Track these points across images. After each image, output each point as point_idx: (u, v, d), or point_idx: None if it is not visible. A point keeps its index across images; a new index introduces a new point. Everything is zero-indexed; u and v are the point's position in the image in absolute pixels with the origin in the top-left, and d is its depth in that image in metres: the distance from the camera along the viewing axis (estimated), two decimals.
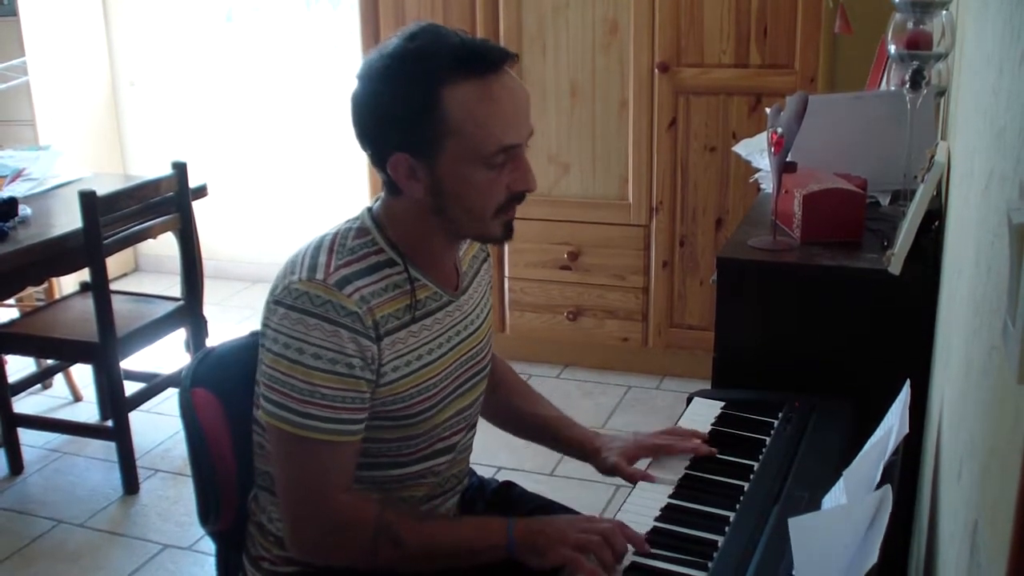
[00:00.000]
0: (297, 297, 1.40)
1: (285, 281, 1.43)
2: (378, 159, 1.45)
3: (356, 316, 1.40)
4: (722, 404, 1.81)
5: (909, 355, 1.83)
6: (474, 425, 1.69)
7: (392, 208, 1.50)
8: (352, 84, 1.46)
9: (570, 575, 1.36)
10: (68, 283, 4.08)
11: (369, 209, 1.54)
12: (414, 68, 1.38)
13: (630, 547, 1.38)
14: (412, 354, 1.48)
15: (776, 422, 1.71)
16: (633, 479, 1.60)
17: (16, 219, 3.07)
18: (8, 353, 3.38)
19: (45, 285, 3.95)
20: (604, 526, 1.38)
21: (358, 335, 1.40)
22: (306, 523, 1.45)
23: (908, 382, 1.34)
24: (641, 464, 1.65)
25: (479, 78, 1.38)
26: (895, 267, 1.77)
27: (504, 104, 1.40)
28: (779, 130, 1.87)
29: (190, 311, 3.41)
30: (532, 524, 1.45)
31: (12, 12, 4.70)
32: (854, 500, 1.18)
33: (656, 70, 3.60)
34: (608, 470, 1.67)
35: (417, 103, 1.38)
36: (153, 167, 4.66)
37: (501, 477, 1.87)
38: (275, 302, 1.43)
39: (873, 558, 0.99)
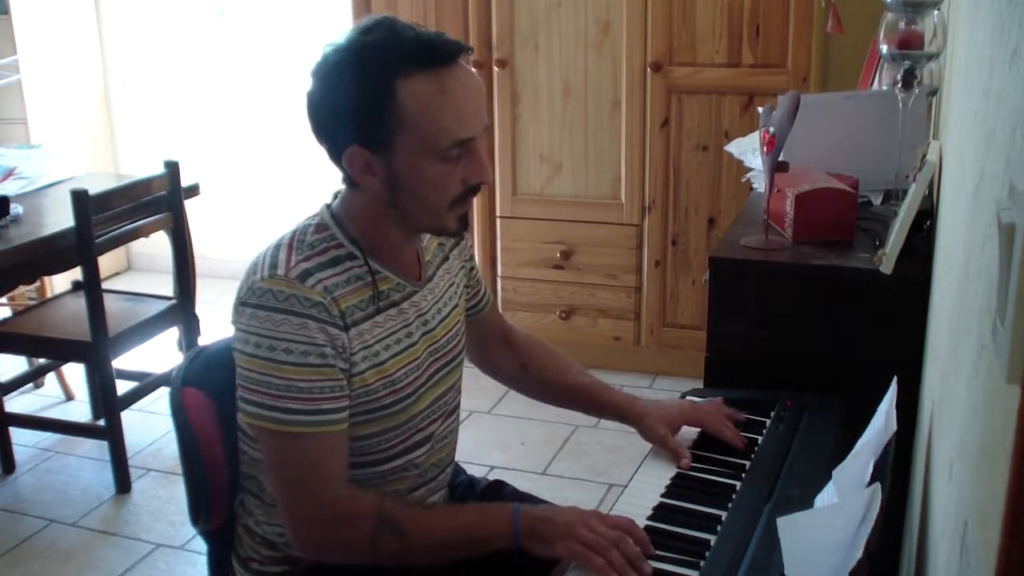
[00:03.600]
0: (261, 295, 1.41)
1: (248, 282, 1.44)
2: (334, 153, 1.46)
3: (322, 306, 1.41)
4: None
5: (901, 354, 1.84)
6: (452, 412, 1.69)
7: (350, 202, 1.51)
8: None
9: (575, 566, 1.36)
10: (60, 282, 4.06)
11: (328, 206, 1.54)
12: (369, 61, 1.39)
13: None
14: (379, 344, 1.49)
15: (768, 421, 1.72)
16: (678, 457, 1.62)
17: (8, 218, 3.06)
18: (0, 352, 3.38)
19: (37, 284, 3.94)
20: (613, 533, 1.36)
21: (326, 324, 1.41)
22: (306, 519, 1.45)
23: (895, 380, 1.34)
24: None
25: (433, 71, 1.39)
26: (887, 266, 1.77)
27: (457, 97, 1.41)
28: (771, 129, 1.87)
29: (182, 310, 3.41)
30: (540, 512, 1.44)
31: (4, 10, 4.69)
32: (844, 499, 1.18)
33: (649, 69, 3.61)
34: (655, 440, 1.68)
35: (372, 96, 1.39)
36: (145, 166, 4.65)
37: (492, 476, 1.87)
38: (241, 304, 1.44)
39: (857, 555, 0.99)
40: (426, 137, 1.40)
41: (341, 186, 1.54)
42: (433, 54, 1.39)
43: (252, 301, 1.42)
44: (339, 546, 1.46)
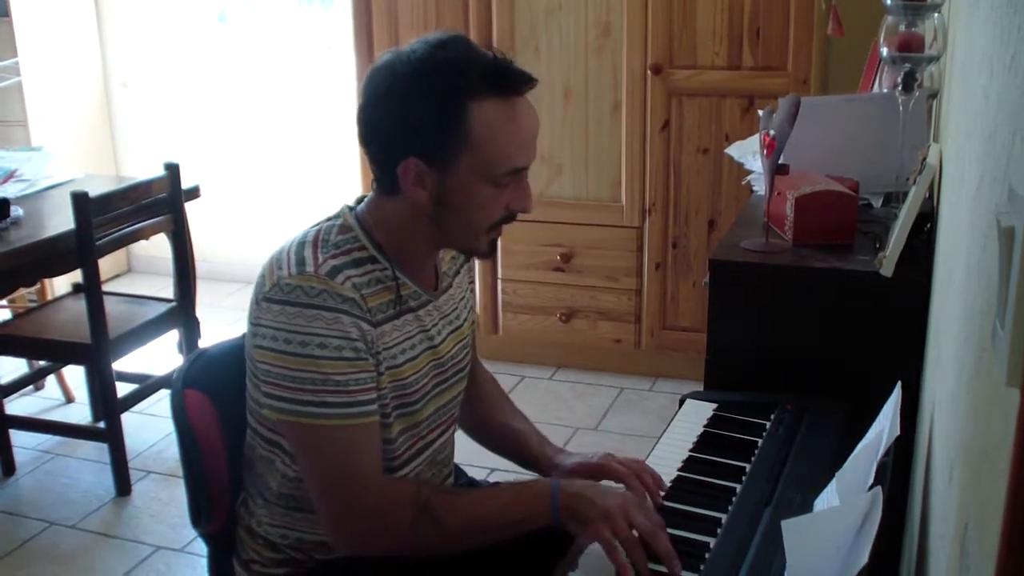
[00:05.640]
0: (290, 292, 1.40)
1: (273, 278, 1.43)
2: (386, 160, 1.45)
3: (353, 301, 1.41)
4: (714, 406, 1.81)
5: (901, 357, 1.84)
6: (453, 423, 1.69)
7: (382, 208, 1.51)
8: (347, 83, 1.47)
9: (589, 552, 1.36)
10: (60, 284, 4.06)
11: (351, 208, 1.54)
12: (444, 77, 1.40)
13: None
14: (397, 348, 1.49)
15: (768, 424, 1.72)
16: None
17: (8, 220, 3.06)
18: (0, 354, 3.37)
19: (37, 286, 3.94)
20: (649, 527, 1.36)
21: (358, 319, 1.41)
22: (346, 514, 1.44)
23: (899, 384, 1.34)
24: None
25: (505, 98, 1.42)
26: (887, 269, 1.77)
27: (523, 127, 1.44)
28: (771, 132, 1.87)
29: (183, 312, 3.41)
30: (580, 490, 1.43)
31: (4, 13, 4.69)
32: (846, 502, 1.18)
33: (649, 72, 3.61)
34: (561, 468, 1.66)
35: (442, 112, 1.40)
36: (145, 168, 4.65)
37: (493, 479, 1.87)
38: (265, 300, 1.43)
39: (864, 559, 1.00)
40: (487, 160, 1.41)
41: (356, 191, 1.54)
42: (508, 81, 1.42)
43: (278, 297, 1.41)
44: (378, 538, 1.45)
